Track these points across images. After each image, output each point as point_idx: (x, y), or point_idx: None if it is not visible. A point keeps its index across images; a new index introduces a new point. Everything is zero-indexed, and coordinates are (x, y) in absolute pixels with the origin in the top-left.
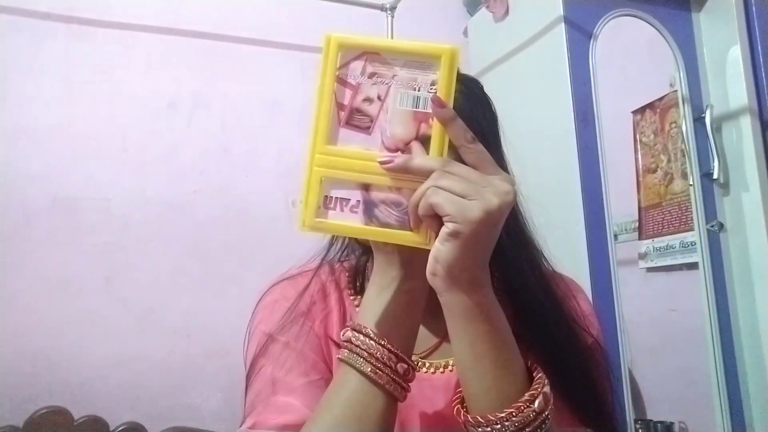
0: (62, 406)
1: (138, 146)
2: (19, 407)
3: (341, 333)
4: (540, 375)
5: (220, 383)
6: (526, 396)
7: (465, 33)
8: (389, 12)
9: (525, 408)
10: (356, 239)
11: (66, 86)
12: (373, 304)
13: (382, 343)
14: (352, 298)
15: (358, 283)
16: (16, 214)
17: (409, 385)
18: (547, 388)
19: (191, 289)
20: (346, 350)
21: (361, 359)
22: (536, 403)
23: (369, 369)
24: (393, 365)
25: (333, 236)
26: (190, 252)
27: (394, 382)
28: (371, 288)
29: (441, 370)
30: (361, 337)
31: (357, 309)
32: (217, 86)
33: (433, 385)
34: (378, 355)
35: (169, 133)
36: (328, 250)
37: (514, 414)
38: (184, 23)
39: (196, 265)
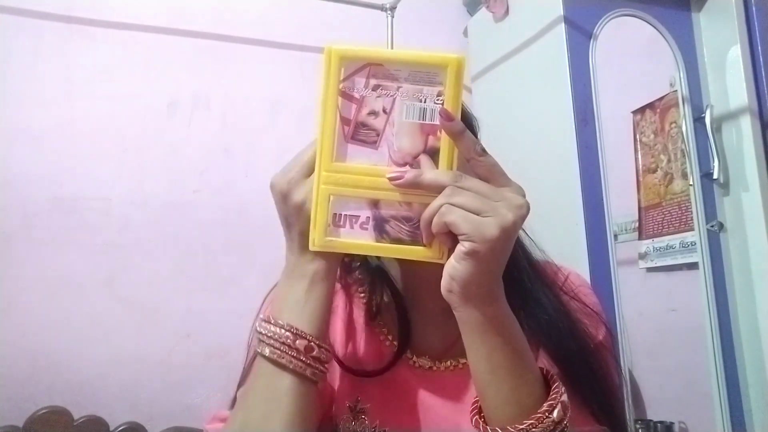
0: (62, 406)
1: (138, 146)
2: (19, 407)
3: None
4: (557, 384)
5: (220, 383)
6: (545, 406)
7: (465, 33)
8: (389, 12)
9: (545, 419)
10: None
11: (66, 86)
12: (277, 292)
13: (278, 323)
14: (362, 317)
15: (372, 307)
16: (16, 214)
17: (321, 366)
18: (564, 397)
19: (191, 289)
20: (256, 339)
21: (263, 343)
22: (555, 413)
23: (267, 351)
24: (291, 343)
25: None
26: (190, 252)
27: (296, 359)
28: (280, 278)
29: (450, 368)
30: (262, 323)
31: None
32: (217, 86)
33: (443, 383)
34: (275, 336)
35: (169, 133)
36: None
37: (534, 425)
38: (184, 23)
39: (196, 265)
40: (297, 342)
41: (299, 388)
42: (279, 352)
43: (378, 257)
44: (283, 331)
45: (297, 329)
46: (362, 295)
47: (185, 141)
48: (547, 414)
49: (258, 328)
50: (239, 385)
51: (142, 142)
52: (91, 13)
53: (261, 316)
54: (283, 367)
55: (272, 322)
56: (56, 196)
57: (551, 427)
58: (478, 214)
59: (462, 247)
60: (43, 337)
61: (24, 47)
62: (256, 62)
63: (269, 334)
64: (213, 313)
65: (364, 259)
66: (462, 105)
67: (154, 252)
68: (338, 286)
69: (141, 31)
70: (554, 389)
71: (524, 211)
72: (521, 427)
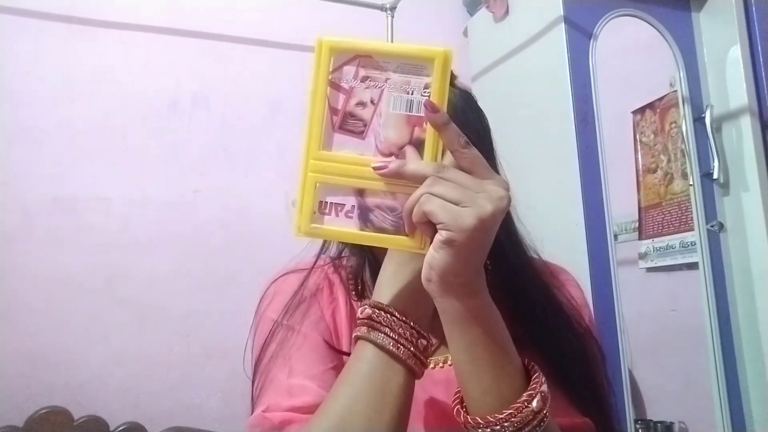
0: (62, 406)
1: (138, 146)
2: (19, 407)
3: (359, 311)
4: (537, 374)
5: (220, 383)
6: (524, 396)
7: (465, 33)
8: (389, 12)
9: (524, 408)
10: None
11: (66, 86)
12: (391, 281)
13: (404, 319)
14: (355, 300)
15: (359, 286)
16: (16, 214)
17: (427, 361)
18: (544, 387)
19: (191, 289)
20: (365, 327)
21: (382, 335)
22: (534, 402)
23: (391, 344)
24: (414, 341)
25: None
26: (190, 252)
27: (414, 356)
28: (388, 265)
29: (441, 365)
30: (383, 314)
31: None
32: (217, 86)
33: (433, 380)
34: (400, 331)
35: (169, 133)
36: (326, 246)
37: (513, 415)
38: (184, 23)
39: (196, 265)
40: (419, 341)
41: (411, 384)
42: (403, 348)
43: (365, 247)
44: (407, 327)
45: (419, 329)
46: (350, 274)
47: (185, 141)
48: (526, 404)
49: (375, 317)
50: (257, 378)
51: (142, 142)
52: (91, 13)
53: (372, 303)
54: (401, 362)
55: (396, 316)
56: (56, 196)
57: (530, 417)
58: (457, 204)
59: (439, 236)
60: (43, 337)
61: (24, 47)
62: (256, 62)
63: (390, 325)
64: (213, 313)
65: (358, 248)
66: (474, 102)
67: (154, 252)
68: (337, 280)
69: (141, 31)
70: (534, 379)
71: (504, 203)
72: (500, 416)
